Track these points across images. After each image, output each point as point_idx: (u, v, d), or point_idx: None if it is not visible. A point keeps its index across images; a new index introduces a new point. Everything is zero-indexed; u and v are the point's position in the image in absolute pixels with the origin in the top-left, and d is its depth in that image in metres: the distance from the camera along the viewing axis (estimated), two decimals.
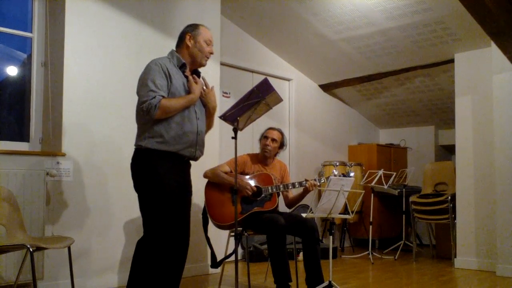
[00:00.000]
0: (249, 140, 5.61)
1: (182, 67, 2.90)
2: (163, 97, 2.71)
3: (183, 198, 2.86)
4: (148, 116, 2.70)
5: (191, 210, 4.74)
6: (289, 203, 3.99)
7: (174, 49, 2.99)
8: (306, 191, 3.80)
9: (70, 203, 3.73)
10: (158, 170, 2.73)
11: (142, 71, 2.82)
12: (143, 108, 2.67)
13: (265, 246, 5.20)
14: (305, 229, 3.60)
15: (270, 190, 3.76)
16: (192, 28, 2.96)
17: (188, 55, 2.94)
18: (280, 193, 3.93)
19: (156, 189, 2.73)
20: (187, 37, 2.93)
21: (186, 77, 2.91)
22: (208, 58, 3.00)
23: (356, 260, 5.76)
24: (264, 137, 3.98)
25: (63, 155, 3.71)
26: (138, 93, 2.77)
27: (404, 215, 6.08)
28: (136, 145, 2.82)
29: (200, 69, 2.93)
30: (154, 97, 2.68)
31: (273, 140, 3.93)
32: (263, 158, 3.96)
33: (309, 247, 3.60)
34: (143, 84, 2.74)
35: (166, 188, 2.74)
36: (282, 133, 4.01)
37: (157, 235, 2.73)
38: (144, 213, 2.81)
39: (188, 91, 2.86)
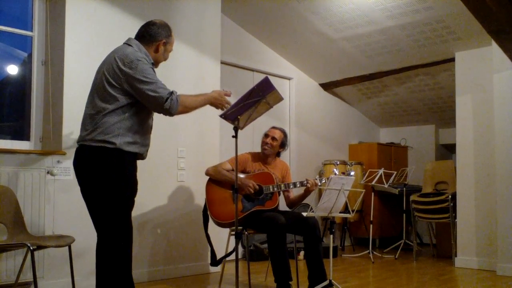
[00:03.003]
0: (250, 139, 5.60)
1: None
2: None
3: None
4: (167, 114, 2.65)
5: (194, 209, 4.74)
6: (290, 203, 3.98)
7: (136, 40, 2.79)
8: (307, 192, 3.79)
9: (70, 201, 3.72)
10: (130, 174, 2.67)
11: (127, 63, 2.60)
12: (165, 106, 2.59)
13: (266, 245, 5.19)
14: (307, 227, 3.60)
15: (271, 189, 3.75)
16: (167, 34, 2.83)
17: (153, 57, 2.79)
18: (281, 192, 3.93)
19: (126, 192, 2.67)
20: (161, 43, 2.80)
21: None
22: None
23: (356, 259, 5.76)
24: (265, 135, 3.98)
25: (64, 153, 3.71)
26: (144, 90, 2.57)
27: (404, 214, 6.08)
28: (103, 141, 2.58)
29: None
30: (171, 92, 2.62)
31: (273, 138, 3.91)
32: (263, 156, 3.96)
33: (311, 245, 3.60)
34: (147, 81, 2.58)
35: (134, 192, 2.73)
36: (284, 133, 3.99)
37: (122, 235, 2.67)
38: (105, 215, 2.66)
39: None
